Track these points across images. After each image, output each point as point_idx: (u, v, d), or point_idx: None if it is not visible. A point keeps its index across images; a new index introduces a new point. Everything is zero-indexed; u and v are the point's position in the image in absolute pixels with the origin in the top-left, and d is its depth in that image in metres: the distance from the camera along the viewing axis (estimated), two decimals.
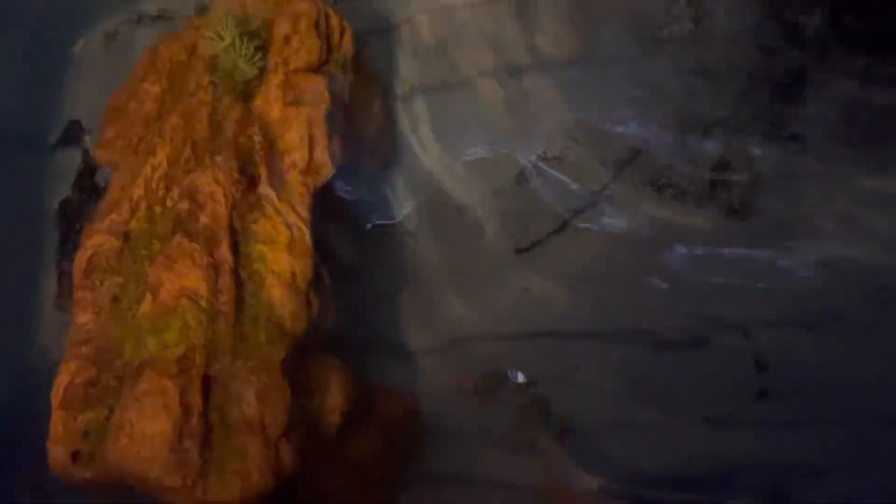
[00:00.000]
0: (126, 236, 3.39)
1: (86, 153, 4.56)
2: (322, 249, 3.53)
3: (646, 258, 3.94)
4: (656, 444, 3.63)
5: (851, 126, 4.03)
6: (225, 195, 3.32)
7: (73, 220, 4.36)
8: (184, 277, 3.14)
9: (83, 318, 3.26)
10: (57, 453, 2.98)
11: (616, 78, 4.32)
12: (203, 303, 3.09)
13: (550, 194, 4.09)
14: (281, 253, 3.32)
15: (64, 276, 4.28)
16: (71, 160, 4.60)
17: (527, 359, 3.87)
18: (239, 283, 3.19)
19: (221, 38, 3.61)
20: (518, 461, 3.67)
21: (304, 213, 3.45)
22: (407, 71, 4.58)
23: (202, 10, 4.91)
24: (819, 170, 4.01)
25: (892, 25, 4.13)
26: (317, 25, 3.88)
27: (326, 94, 3.71)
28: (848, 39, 4.14)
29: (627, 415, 3.71)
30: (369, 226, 4.22)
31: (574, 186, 4.09)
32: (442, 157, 4.36)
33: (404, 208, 4.31)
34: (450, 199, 4.27)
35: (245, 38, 3.59)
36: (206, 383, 2.95)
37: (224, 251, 3.21)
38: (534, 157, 4.22)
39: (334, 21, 4.02)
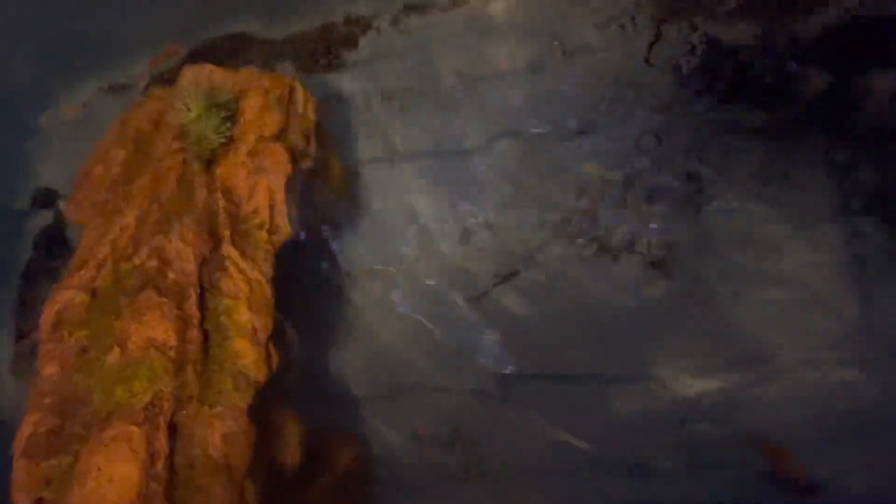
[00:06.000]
0: (94, 292, 3.56)
1: (58, 215, 4.74)
2: (284, 306, 3.77)
3: None
4: None
5: None
6: (194, 254, 3.54)
7: (33, 281, 4.46)
8: (151, 329, 3.31)
9: (49, 370, 3.36)
10: (20, 500, 3.03)
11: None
12: (171, 353, 3.26)
13: (492, 251, 4.46)
14: (243, 307, 3.54)
15: (21, 339, 4.37)
16: (36, 226, 4.77)
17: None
18: (206, 335, 3.38)
19: (189, 111, 3.90)
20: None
21: (268, 271, 3.69)
22: (364, 139, 4.94)
23: (156, 79, 5.28)
24: None
25: None
26: (281, 99, 4.22)
27: (287, 164, 4.01)
28: None
29: None
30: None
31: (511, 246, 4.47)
32: (392, 220, 4.70)
33: (358, 267, 4.58)
34: (401, 259, 4.58)
35: (213, 110, 3.90)
36: (173, 428, 3.09)
37: (192, 305, 3.41)
38: (477, 218, 4.60)
39: (300, 94, 4.36)
